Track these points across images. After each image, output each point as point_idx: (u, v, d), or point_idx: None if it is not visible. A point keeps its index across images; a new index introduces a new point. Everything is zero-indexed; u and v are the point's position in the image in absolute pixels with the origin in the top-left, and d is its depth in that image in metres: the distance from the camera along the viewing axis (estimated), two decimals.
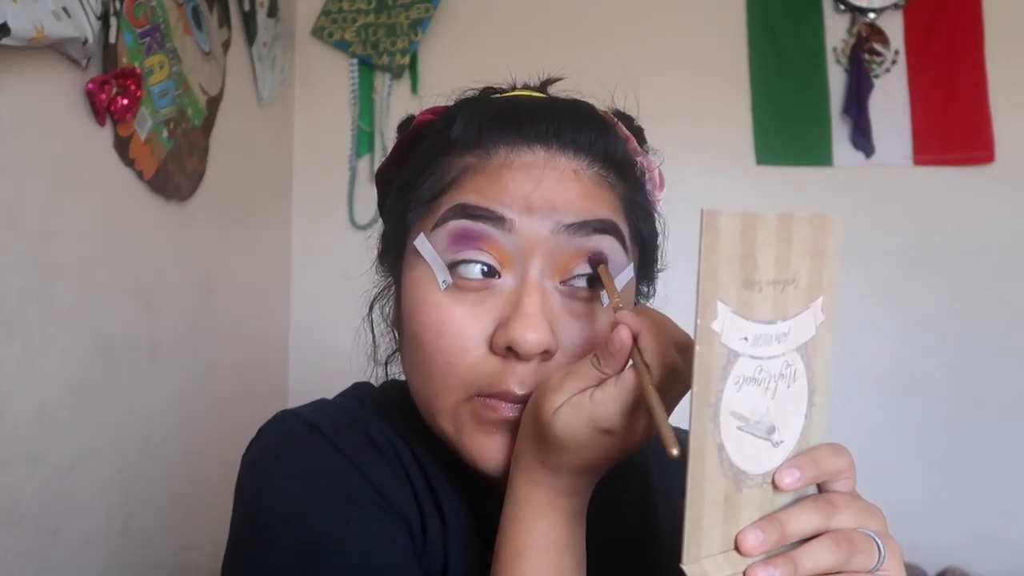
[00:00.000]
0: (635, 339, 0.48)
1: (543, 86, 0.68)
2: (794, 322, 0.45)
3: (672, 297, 0.69)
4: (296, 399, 2.12)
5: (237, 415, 1.76)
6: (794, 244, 0.45)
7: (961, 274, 1.98)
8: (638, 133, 0.68)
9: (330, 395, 0.69)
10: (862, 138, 2.00)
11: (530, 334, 0.53)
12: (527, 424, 0.53)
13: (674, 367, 0.48)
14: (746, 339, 0.43)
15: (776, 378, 0.45)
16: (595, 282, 0.57)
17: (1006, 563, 1.88)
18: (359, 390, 0.69)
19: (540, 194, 0.56)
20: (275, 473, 0.59)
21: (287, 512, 0.56)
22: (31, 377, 1.17)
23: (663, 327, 0.49)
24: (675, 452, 0.42)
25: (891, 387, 1.99)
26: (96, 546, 1.32)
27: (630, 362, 0.49)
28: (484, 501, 0.60)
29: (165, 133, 1.50)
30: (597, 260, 0.57)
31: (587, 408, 0.48)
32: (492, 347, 0.55)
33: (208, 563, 1.59)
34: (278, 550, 0.55)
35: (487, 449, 0.56)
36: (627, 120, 0.68)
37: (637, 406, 0.48)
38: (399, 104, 2.15)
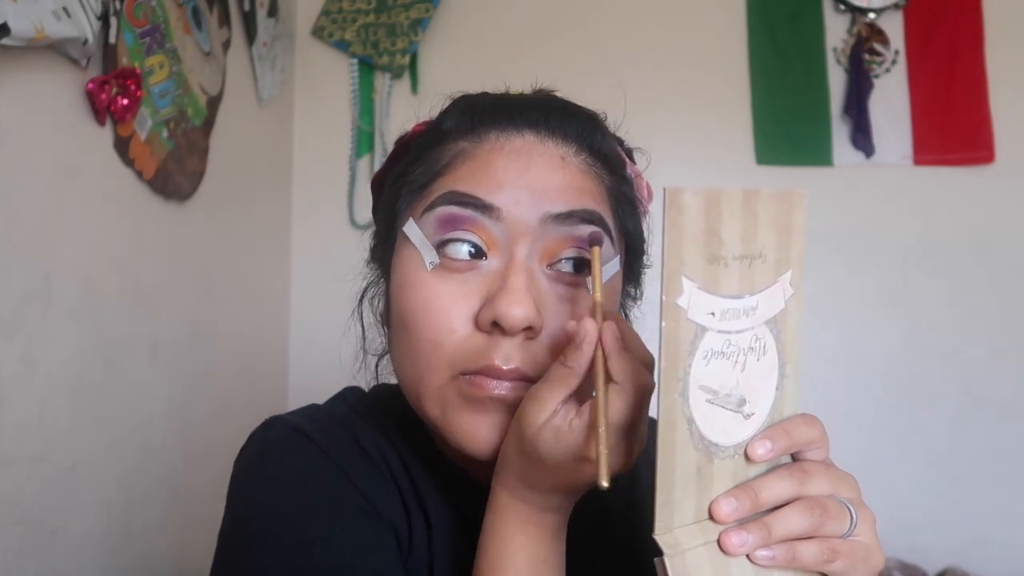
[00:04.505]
0: (605, 360, 0.48)
1: (535, 94, 0.69)
2: (762, 296, 0.46)
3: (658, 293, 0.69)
4: (296, 399, 2.11)
5: (237, 415, 1.76)
6: (760, 219, 0.45)
7: (961, 274, 1.98)
8: (629, 154, 0.69)
9: (329, 395, 0.70)
10: (862, 138, 2.00)
11: (515, 308, 0.53)
12: (513, 431, 0.52)
13: (647, 387, 0.48)
14: (713, 314, 0.43)
15: (745, 351, 0.45)
16: (581, 267, 0.58)
17: (1006, 564, 1.87)
18: (348, 395, 0.70)
19: (528, 183, 0.57)
20: (263, 478, 0.59)
21: (275, 517, 0.56)
22: (31, 377, 1.17)
23: (632, 345, 0.49)
24: (605, 484, 0.42)
25: (891, 387, 1.99)
26: (96, 546, 1.32)
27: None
28: (469, 501, 0.60)
29: (165, 133, 1.50)
30: (595, 240, 0.57)
31: (566, 437, 0.48)
32: (477, 324, 0.56)
33: (208, 563, 1.59)
34: (265, 554, 0.55)
35: (473, 428, 0.55)
36: (618, 143, 0.69)
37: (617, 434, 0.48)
38: (399, 104, 2.15)
